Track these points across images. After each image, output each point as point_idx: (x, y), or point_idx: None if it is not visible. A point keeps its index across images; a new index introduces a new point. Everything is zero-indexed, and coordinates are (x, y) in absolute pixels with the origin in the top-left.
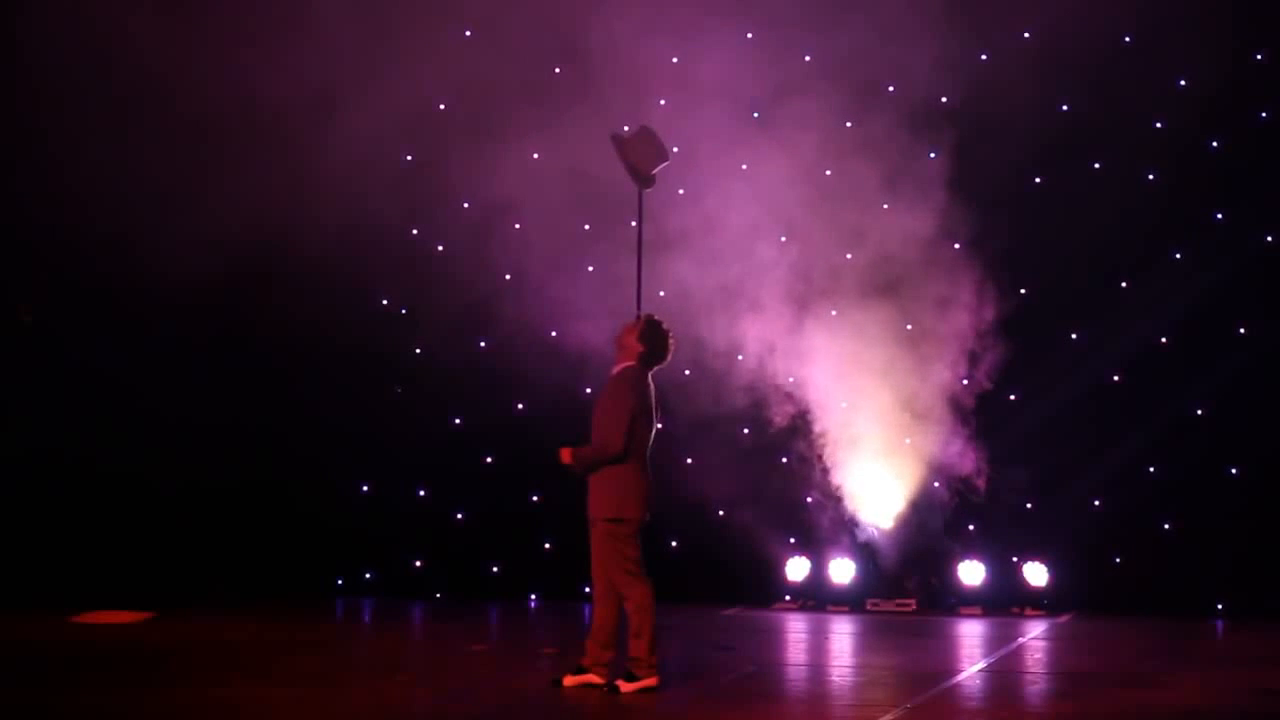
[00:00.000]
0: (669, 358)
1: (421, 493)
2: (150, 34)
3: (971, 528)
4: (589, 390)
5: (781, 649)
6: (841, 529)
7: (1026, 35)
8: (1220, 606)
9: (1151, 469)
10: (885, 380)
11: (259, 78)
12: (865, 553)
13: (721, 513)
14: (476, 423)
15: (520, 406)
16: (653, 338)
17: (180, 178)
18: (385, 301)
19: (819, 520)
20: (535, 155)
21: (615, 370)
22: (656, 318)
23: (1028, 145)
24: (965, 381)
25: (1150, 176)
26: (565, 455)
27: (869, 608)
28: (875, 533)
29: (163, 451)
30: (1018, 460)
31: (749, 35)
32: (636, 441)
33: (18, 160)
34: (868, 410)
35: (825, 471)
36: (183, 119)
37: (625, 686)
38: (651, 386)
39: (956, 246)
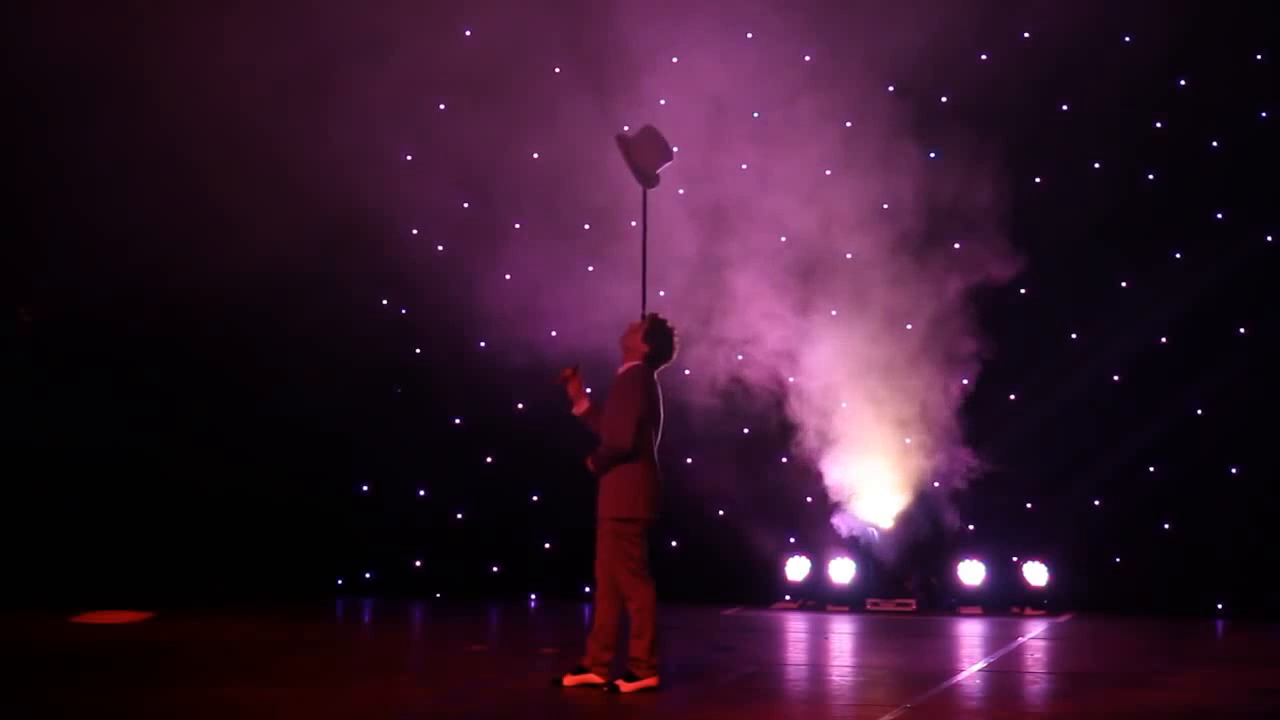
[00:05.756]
0: (674, 357)
1: (421, 493)
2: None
3: (972, 528)
4: (589, 391)
5: (781, 649)
6: (841, 529)
7: (1026, 35)
8: (1220, 606)
9: (1151, 469)
10: (885, 380)
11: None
12: (865, 552)
13: (721, 513)
14: (476, 423)
15: (520, 406)
16: (658, 337)
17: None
18: (385, 302)
19: (819, 520)
20: (535, 155)
21: (621, 370)
22: (661, 317)
23: (1027, 144)
24: (965, 381)
25: (1150, 176)
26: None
27: (869, 608)
28: (875, 533)
29: (162, 451)
30: (1018, 460)
31: (749, 35)
32: (644, 441)
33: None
34: (868, 410)
35: (825, 471)
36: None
37: (625, 686)
38: (658, 386)
39: (956, 246)
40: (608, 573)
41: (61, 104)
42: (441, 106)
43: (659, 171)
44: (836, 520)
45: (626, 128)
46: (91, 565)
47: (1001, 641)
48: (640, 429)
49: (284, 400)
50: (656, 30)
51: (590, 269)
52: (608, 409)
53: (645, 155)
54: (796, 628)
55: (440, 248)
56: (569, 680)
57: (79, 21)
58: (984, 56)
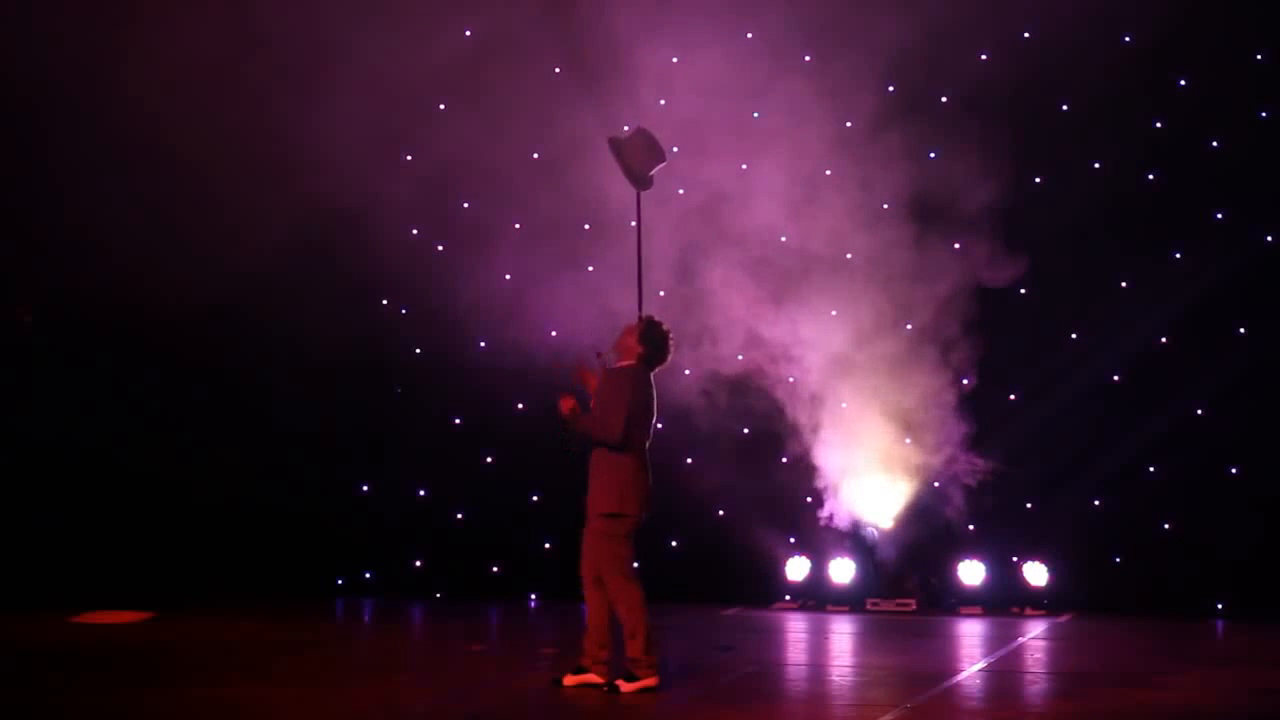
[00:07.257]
0: (669, 358)
1: (421, 493)
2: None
3: (972, 528)
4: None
5: (781, 649)
6: (841, 529)
7: (1026, 35)
8: (1220, 606)
9: (1151, 469)
10: (885, 379)
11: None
12: (865, 552)
13: (721, 513)
14: (476, 423)
15: (520, 406)
16: (653, 338)
17: (178, 193)
18: (385, 302)
19: (819, 520)
20: (535, 155)
21: (615, 367)
22: (656, 318)
23: (1027, 145)
24: (965, 381)
25: (1150, 176)
26: (565, 405)
27: (869, 608)
28: (875, 533)
29: (163, 452)
30: (1018, 460)
31: (749, 35)
32: (635, 439)
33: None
34: (867, 410)
35: (825, 471)
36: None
37: (625, 686)
38: (653, 387)
39: (956, 246)
40: (593, 571)
41: (48, 103)
42: (441, 106)
43: (652, 174)
44: (836, 519)
45: (626, 127)
46: (91, 565)
47: (1001, 641)
48: (631, 425)
49: (283, 400)
50: (654, 30)
51: (590, 269)
52: (599, 403)
53: (638, 157)
54: (796, 628)
55: (440, 248)
56: (569, 680)
57: (69, 22)
58: (984, 56)
